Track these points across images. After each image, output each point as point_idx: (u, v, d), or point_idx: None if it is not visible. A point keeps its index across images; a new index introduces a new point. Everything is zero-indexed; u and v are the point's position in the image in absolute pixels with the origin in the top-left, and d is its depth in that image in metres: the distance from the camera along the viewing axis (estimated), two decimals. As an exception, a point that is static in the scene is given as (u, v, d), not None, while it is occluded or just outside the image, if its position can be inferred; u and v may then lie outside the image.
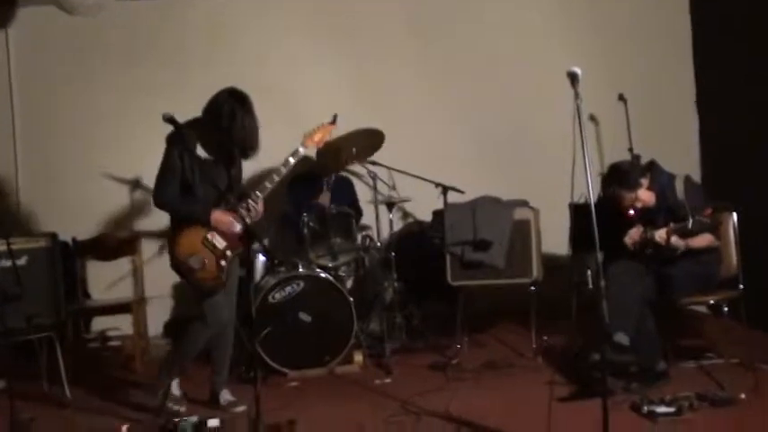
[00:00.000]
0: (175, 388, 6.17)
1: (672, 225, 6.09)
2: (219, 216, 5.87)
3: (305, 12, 8.92)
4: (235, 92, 5.88)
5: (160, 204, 5.96)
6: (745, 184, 7.64)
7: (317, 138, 6.38)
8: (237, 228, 5.89)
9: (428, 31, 9.00)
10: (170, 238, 5.95)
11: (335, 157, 7.86)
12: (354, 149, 7.78)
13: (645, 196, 6.26)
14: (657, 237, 6.16)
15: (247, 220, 5.88)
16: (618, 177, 6.29)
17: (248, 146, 5.93)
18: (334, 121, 6.57)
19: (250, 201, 5.95)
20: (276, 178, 6.05)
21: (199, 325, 5.99)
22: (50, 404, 6.62)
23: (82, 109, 8.71)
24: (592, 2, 9.02)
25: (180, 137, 5.75)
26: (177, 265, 5.88)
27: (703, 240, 6.19)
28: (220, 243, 5.90)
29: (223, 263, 5.90)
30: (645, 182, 6.27)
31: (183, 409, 6.08)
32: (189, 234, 5.87)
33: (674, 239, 6.11)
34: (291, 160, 6.14)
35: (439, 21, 9.01)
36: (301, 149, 6.23)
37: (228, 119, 5.76)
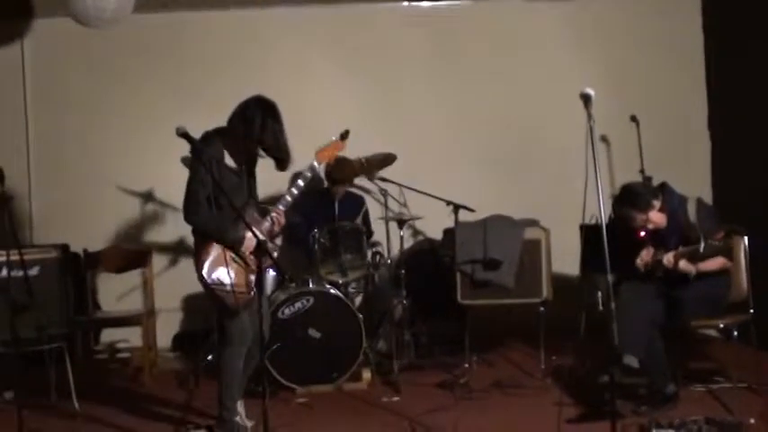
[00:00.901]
0: (244, 419, 5.97)
1: (680, 249, 6.07)
2: (248, 244, 5.71)
3: (323, 31, 8.99)
4: (263, 100, 5.80)
5: (189, 219, 5.74)
6: (755, 208, 7.63)
7: (327, 153, 6.34)
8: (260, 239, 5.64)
9: (441, 52, 9.03)
10: (197, 251, 5.76)
11: (346, 173, 7.87)
12: (365, 163, 7.79)
13: (656, 218, 6.24)
14: (665, 260, 6.14)
15: (264, 233, 5.77)
16: (629, 198, 6.28)
17: (282, 155, 5.83)
18: (345, 137, 6.55)
19: (274, 215, 5.87)
20: (295, 192, 5.94)
21: (226, 351, 5.87)
22: (58, 416, 6.61)
23: (96, 121, 8.75)
24: (605, 23, 9.03)
25: (205, 148, 5.63)
26: (205, 278, 5.68)
27: (715, 263, 6.15)
28: (250, 259, 5.77)
29: (252, 277, 5.74)
30: (657, 203, 6.24)
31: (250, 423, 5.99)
32: (216, 248, 5.70)
33: (683, 264, 6.09)
34: (308, 175, 6.06)
35: (452, 42, 9.03)
36: (316, 164, 6.18)
37: (260, 128, 5.67)
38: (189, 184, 5.72)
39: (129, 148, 8.69)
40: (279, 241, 7.43)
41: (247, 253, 5.75)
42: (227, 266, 5.68)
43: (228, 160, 5.80)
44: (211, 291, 5.69)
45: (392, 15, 9.05)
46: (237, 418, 5.91)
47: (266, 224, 5.86)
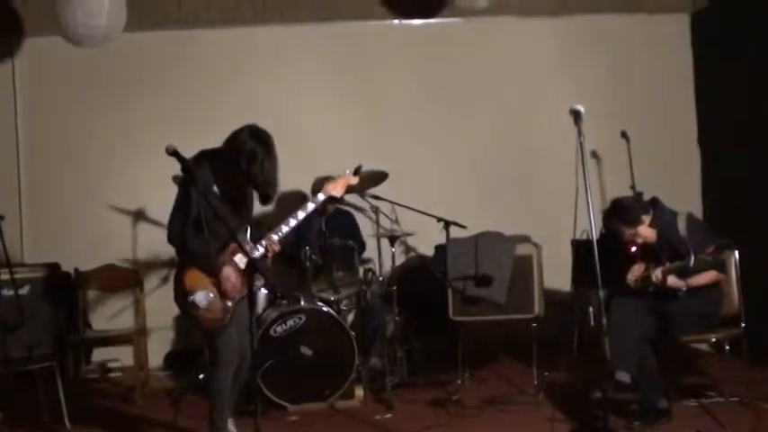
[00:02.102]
0: (231, 425, 5.96)
1: (668, 265, 6.08)
2: (228, 273, 5.69)
3: (315, 50, 8.99)
4: (257, 131, 5.73)
5: (172, 242, 5.75)
6: (746, 222, 7.66)
7: (339, 187, 6.28)
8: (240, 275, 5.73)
9: (432, 69, 9.06)
10: (177, 272, 5.77)
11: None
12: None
13: (646, 233, 6.24)
14: (654, 277, 6.15)
15: (255, 258, 5.71)
16: (619, 213, 6.29)
17: (267, 190, 5.80)
18: (357, 173, 6.54)
19: (265, 242, 5.83)
20: (293, 222, 5.94)
21: (214, 369, 5.85)
22: (49, 435, 6.58)
23: (87, 140, 8.74)
24: (595, 41, 9.06)
25: (195, 171, 5.49)
26: (181, 298, 5.69)
27: (707, 277, 6.16)
28: (230, 286, 5.72)
29: (229, 303, 5.71)
30: (647, 218, 6.25)
31: None
32: (197, 270, 5.69)
33: (672, 279, 6.10)
34: (310, 206, 6.04)
35: (443, 59, 9.07)
36: (321, 196, 6.16)
37: (248, 160, 5.62)
38: (175, 206, 5.72)
39: (120, 167, 8.68)
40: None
41: (228, 281, 5.70)
42: (206, 287, 5.66)
43: (218, 183, 5.76)
44: (186, 313, 5.72)
45: (384, 33, 9.07)
46: None
47: (257, 252, 5.82)
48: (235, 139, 5.69)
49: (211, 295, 5.65)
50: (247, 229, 5.90)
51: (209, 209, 5.43)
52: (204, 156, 5.74)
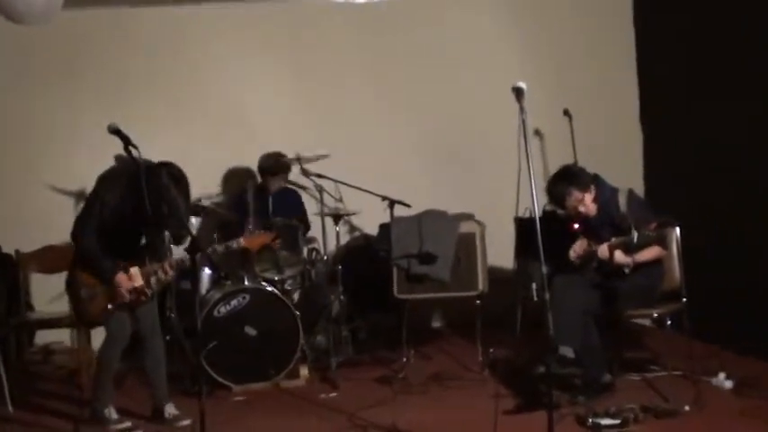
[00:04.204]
0: (113, 414, 6.11)
1: (614, 240, 6.13)
2: (120, 279, 5.83)
3: (258, 28, 8.92)
4: (173, 170, 5.83)
5: (76, 242, 5.94)
6: (687, 199, 7.74)
7: (256, 242, 6.50)
8: (138, 283, 5.87)
9: (375, 47, 9.05)
10: (74, 260, 5.99)
11: (280, 167, 7.87)
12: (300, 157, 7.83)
13: (589, 203, 6.30)
14: (599, 252, 6.19)
15: (153, 281, 5.92)
16: (569, 176, 6.34)
17: (178, 231, 5.92)
18: (276, 238, 6.82)
19: (166, 264, 5.93)
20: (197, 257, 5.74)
21: (104, 343, 6.10)
22: (-8, 419, 6.51)
23: (27, 119, 8.60)
24: (539, 18, 9.10)
25: (108, 187, 5.81)
26: (70, 284, 5.96)
27: (651, 253, 6.23)
28: (117, 292, 5.89)
29: (110, 306, 5.90)
30: (593, 190, 6.31)
31: (128, 424, 6.03)
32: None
33: (618, 255, 6.15)
34: (219, 249, 6.26)
35: (387, 37, 9.05)
36: (234, 245, 6.29)
37: (159, 196, 5.68)
38: (86, 206, 5.99)
39: (61, 147, 8.55)
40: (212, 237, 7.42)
41: (120, 288, 5.85)
42: (94, 287, 5.90)
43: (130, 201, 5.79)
44: (70, 298, 6.04)
45: (326, 11, 9.03)
46: (106, 411, 6.06)
47: (153, 269, 5.93)
48: (149, 172, 5.66)
49: (98, 293, 5.90)
50: (164, 241, 6.10)
51: (112, 222, 5.76)
52: (118, 175, 5.87)
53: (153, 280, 5.92)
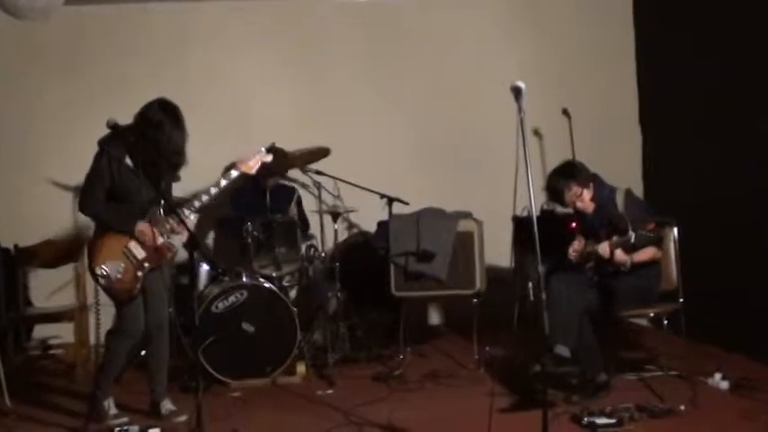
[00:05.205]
0: (112, 407, 6.13)
1: (614, 239, 6.15)
2: (144, 228, 5.86)
3: (258, 24, 8.96)
4: (165, 103, 5.91)
5: (85, 211, 5.99)
6: (685, 199, 7.74)
7: (251, 163, 6.33)
8: (160, 241, 5.88)
9: (375, 46, 9.07)
10: (91, 242, 5.97)
11: (278, 164, 7.86)
12: (298, 154, 7.81)
13: (587, 200, 6.32)
14: (600, 250, 6.22)
15: (166, 236, 5.95)
16: (570, 170, 6.39)
17: (174, 159, 5.94)
18: (270, 151, 6.54)
19: (174, 218, 5.90)
20: (205, 198, 6.02)
21: (116, 335, 6.09)
22: (-11, 413, 6.51)
23: (26, 115, 8.63)
24: (538, 18, 9.12)
25: (109, 144, 5.82)
26: (94, 269, 5.89)
27: (647, 254, 6.26)
28: (140, 253, 5.91)
29: (140, 273, 5.90)
30: (592, 187, 6.33)
31: (125, 419, 6.04)
32: (110, 240, 5.88)
33: (618, 254, 6.16)
34: (223, 182, 6.16)
35: (387, 36, 9.08)
36: (234, 173, 6.22)
37: (155, 129, 5.79)
38: (88, 176, 5.95)
39: (61, 142, 8.55)
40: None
41: (139, 249, 5.89)
42: (117, 258, 5.86)
43: (132, 157, 5.87)
44: (96, 281, 5.94)
45: (327, 9, 9.05)
46: (106, 403, 6.09)
47: (167, 226, 5.94)
48: (143, 112, 5.88)
49: (122, 265, 5.85)
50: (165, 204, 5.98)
51: (120, 180, 5.78)
52: (117, 133, 5.77)
53: (166, 234, 5.95)
